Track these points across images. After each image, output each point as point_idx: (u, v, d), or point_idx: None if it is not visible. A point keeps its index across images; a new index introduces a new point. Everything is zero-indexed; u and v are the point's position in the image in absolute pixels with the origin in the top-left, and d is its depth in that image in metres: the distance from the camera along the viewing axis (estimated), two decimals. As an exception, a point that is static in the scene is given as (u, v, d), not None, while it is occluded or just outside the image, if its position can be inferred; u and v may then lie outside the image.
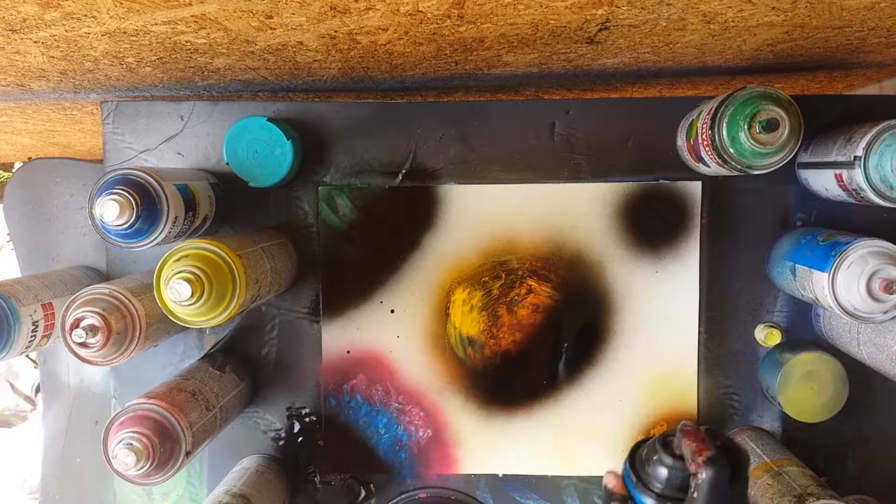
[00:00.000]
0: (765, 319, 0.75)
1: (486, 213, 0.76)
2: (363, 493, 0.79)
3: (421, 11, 0.53)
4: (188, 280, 0.56)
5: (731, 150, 0.61)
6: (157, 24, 0.54)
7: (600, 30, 0.61)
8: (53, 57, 0.63)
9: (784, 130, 0.59)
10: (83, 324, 0.60)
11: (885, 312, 0.59)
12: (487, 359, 0.77)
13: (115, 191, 0.60)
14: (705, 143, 0.63)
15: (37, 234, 0.87)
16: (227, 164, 0.73)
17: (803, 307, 0.75)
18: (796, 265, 0.67)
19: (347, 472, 0.78)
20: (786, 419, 0.75)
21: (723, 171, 0.66)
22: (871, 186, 0.59)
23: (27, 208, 0.87)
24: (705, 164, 0.67)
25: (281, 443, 0.78)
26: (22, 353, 0.69)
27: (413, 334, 0.77)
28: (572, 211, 0.75)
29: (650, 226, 0.75)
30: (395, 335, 0.77)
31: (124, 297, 0.63)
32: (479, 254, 0.76)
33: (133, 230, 0.61)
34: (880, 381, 0.74)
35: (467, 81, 0.85)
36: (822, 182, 0.68)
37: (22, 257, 0.87)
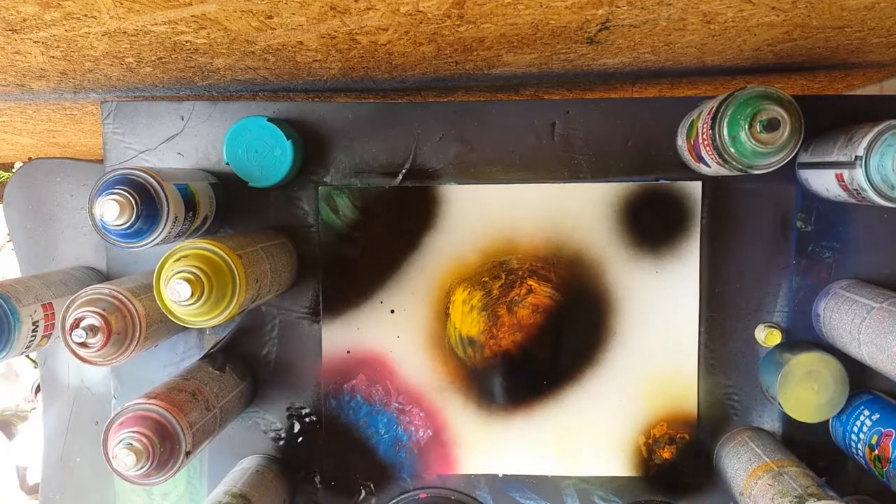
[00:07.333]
0: (765, 319, 0.75)
1: (486, 213, 0.76)
2: (363, 493, 0.79)
3: (421, 11, 0.53)
4: (188, 280, 0.56)
5: (732, 150, 0.61)
6: (157, 24, 0.54)
7: (600, 30, 0.61)
8: (53, 57, 0.63)
9: (785, 130, 0.59)
10: (83, 324, 0.60)
11: None
12: (487, 359, 0.77)
13: (115, 191, 0.60)
14: (706, 142, 0.63)
15: (37, 234, 0.86)
16: (227, 164, 0.73)
17: (803, 307, 0.75)
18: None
19: (347, 472, 0.78)
20: (786, 419, 0.75)
21: (723, 171, 0.66)
22: (873, 186, 0.59)
23: (27, 208, 0.86)
24: (706, 163, 0.67)
25: (281, 443, 0.78)
26: (22, 353, 0.69)
27: (413, 334, 0.77)
28: (572, 211, 0.75)
29: (650, 226, 0.75)
30: (395, 335, 0.77)
31: (124, 297, 0.63)
32: (479, 254, 0.76)
33: (133, 230, 0.61)
34: (880, 381, 0.74)
35: (467, 81, 0.85)
36: (823, 182, 0.68)
37: (22, 257, 0.87)
